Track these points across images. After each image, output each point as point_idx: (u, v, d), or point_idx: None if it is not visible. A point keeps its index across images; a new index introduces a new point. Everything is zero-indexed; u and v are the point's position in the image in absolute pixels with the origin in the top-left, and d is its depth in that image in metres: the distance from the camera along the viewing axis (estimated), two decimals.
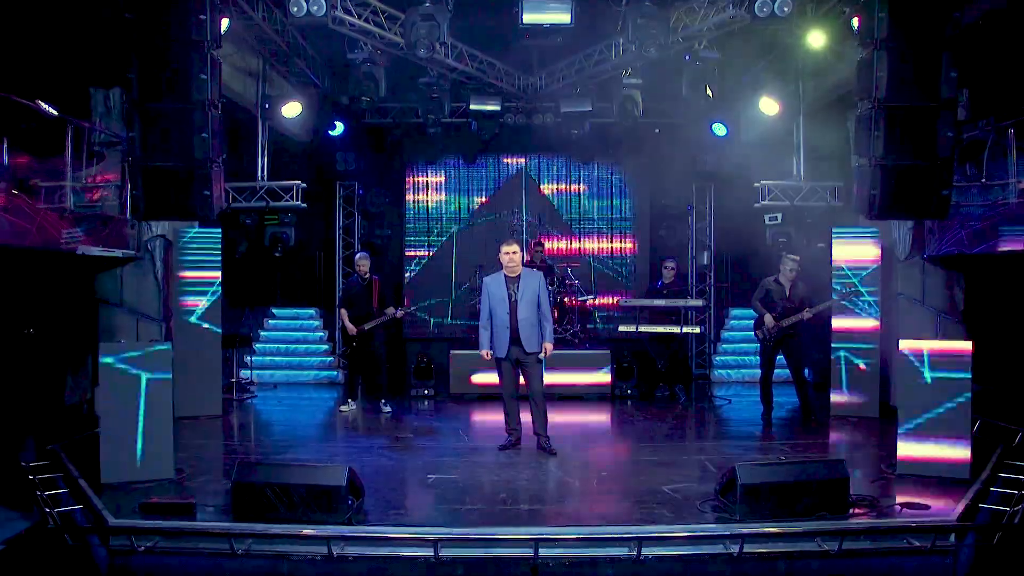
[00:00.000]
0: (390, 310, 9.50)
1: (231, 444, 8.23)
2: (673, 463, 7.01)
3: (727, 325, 13.48)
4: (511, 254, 7.27)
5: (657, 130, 12.69)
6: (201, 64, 5.80)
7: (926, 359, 6.30)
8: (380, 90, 8.60)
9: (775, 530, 5.02)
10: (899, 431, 6.45)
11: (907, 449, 6.38)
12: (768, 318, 8.78)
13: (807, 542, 5.02)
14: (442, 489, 6.15)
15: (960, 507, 5.42)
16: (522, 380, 7.42)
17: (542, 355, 7.30)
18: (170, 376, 6.47)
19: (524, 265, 11.74)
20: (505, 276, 7.33)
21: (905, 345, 6.44)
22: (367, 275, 9.53)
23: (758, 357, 12.68)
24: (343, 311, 9.55)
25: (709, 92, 8.83)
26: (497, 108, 10.18)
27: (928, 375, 6.27)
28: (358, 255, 9.76)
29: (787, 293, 8.85)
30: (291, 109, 10.05)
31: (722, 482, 5.56)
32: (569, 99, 10.27)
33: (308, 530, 5.03)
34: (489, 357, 7.35)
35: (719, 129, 12.17)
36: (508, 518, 5.40)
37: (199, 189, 5.82)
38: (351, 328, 9.43)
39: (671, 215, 13.75)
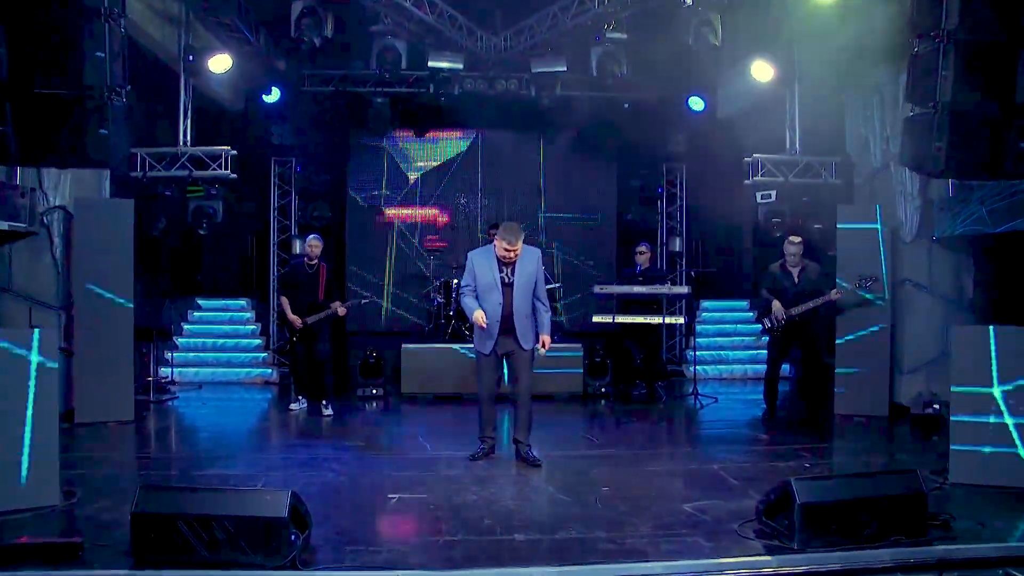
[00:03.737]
0: (335, 305, 8.21)
1: (145, 456, 6.77)
2: (682, 474, 5.90)
3: (699, 318, 12.49)
4: (511, 253, 5.87)
5: (626, 105, 11.65)
6: None
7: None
8: (326, 29, 7.23)
9: (860, 566, 3.91)
10: (952, 435, 5.49)
11: (961, 453, 5.43)
12: (776, 305, 7.73)
13: None
14: (410, 513, 4.88)
15: None
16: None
17: (542, 350, 6.07)
18: (55, 366, 4.97)
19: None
20: (496, 256, 5.99)
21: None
22: (315, 261, 8.21)
23: (736, 352, 11.96)
24: (283, 299, 8.20)
25: (716, 41, 7.73)
26: (459, 65, 8.92)
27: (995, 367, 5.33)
28: (310, 236, 8.38)
29: (796, 280, 7.82)
30: (220, 63, 8.59)
31: (768, 500, 4.45)
32: (541, 58, 9.08)
33: None
34: (484, 322, 5.93)
35: (696, 103, 11.21)
36: (503, 554, 4.16)
37: (93, 126, 4.40)
38: (295, 320, 8.09)
39: (640, 198, 12.73)
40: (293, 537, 3.91)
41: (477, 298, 6.00)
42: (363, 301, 8.76)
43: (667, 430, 8.14)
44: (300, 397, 8.55)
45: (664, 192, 12.75)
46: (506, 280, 5.92)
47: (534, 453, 6.12)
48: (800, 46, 9.04)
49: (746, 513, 4.75)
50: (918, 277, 8.57)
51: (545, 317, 6.04)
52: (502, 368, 6.17)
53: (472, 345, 6.61)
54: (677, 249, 12.59)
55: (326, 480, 5.68)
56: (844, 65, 8.87)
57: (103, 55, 4.35)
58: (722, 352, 11.90)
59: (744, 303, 12.71)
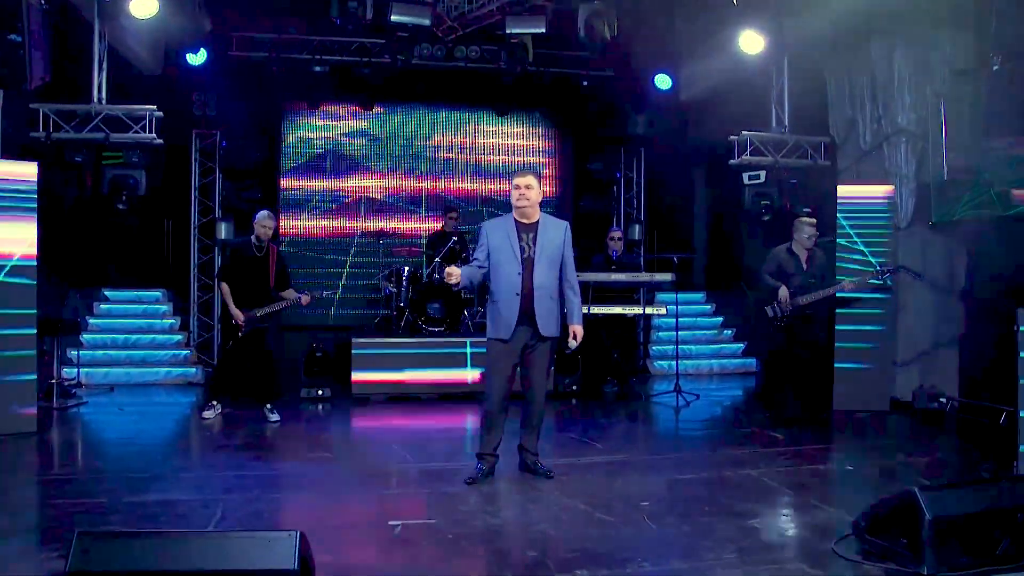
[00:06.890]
0: (291, 293, 7.09)
1: (53, 480, 5.37)
2: (720, 482, 5.09)
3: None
4: (523, 189, 5.00)
5: (585, 83, 10.93)
6: None
7: None
8: None
9: None
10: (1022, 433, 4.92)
11: None
12: (783, 291, 7.04)
13: None
14: (424, 545, 3.87)
15: None
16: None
17: (572, 342, 5.09)
18: None
19: (450, 232, 9.66)
20: (516, 222, 5.04)
21: None
22: (264, 243, 7.03)
23: (699, 346, 11.35)
24: (224, 286, 6.96)
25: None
26: (426, 21, 7.91)
27: None
28: (261, 213, 7.13)
29: (804, 266, 7.16)
30: (143, 6, 7.24)
31: (876, 513, 3.68)
32: (518, 18, 8.15)
33: None
34: (457, 277, 4.87)
35: (663, 81, 10.54)
36: None
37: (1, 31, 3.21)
38: (237, 314, 6.88)
39: (596, 182, 11.97)
40: None
41: (489, 273, 5.03)
42: (324, 293, 7.67)
43: (667, 430, 7.38)
44: (215, 402, 7.33)
45: (622, 177, 12.05)
46: (526, 251, 4.95)
47: (543, 463, 5.21)
48: (789, 17, 8.46)
49: (825, 527, 4.04)
50: (912, 264, 8.13)
51: (575, 303, 5.09)
52: (517, 363, 5.11)
53: (432, 335, 5.58)
54: (637, 237, 11.89)
55: (302, 504, 4.61)
56: (832, 42, 8.40)
57: None
58: (684, 347, 11.27)
59: (700, 295, 12.17)
